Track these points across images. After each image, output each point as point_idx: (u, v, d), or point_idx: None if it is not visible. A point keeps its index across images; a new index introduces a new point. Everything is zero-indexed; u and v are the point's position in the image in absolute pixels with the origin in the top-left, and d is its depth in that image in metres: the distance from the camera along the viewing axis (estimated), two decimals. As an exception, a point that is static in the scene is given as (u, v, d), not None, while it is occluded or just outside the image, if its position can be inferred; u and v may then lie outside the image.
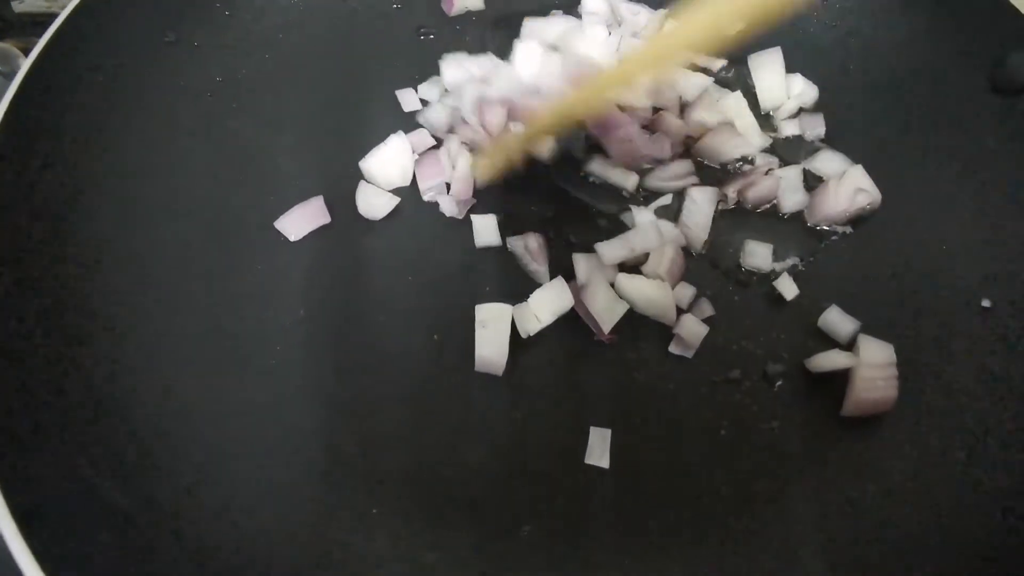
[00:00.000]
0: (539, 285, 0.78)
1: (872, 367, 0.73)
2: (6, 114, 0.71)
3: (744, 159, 0.90)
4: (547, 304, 0.76)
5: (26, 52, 0.79)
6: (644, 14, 1.00)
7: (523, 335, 0.75)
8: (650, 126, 0.90)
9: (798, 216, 0.86)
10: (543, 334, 0.76)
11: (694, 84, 0.93)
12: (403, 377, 0.74)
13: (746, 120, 0.92)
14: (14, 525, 0.52)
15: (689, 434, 0.72)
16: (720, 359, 0.76)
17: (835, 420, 0.73)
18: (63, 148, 0.74)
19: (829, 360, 0.75)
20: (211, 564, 0.60)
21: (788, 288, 0.80)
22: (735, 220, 0.86)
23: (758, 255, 0.82)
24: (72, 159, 0.75)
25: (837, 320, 0.78)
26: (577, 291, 0.77)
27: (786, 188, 0.86)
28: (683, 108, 0.92)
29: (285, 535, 0.64)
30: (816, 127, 0.93)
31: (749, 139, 0.90)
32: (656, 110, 0.90)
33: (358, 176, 0.85)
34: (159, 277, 0.75)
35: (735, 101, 0.93)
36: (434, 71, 0.94)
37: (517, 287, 0.78)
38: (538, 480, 0.69)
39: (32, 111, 0.73)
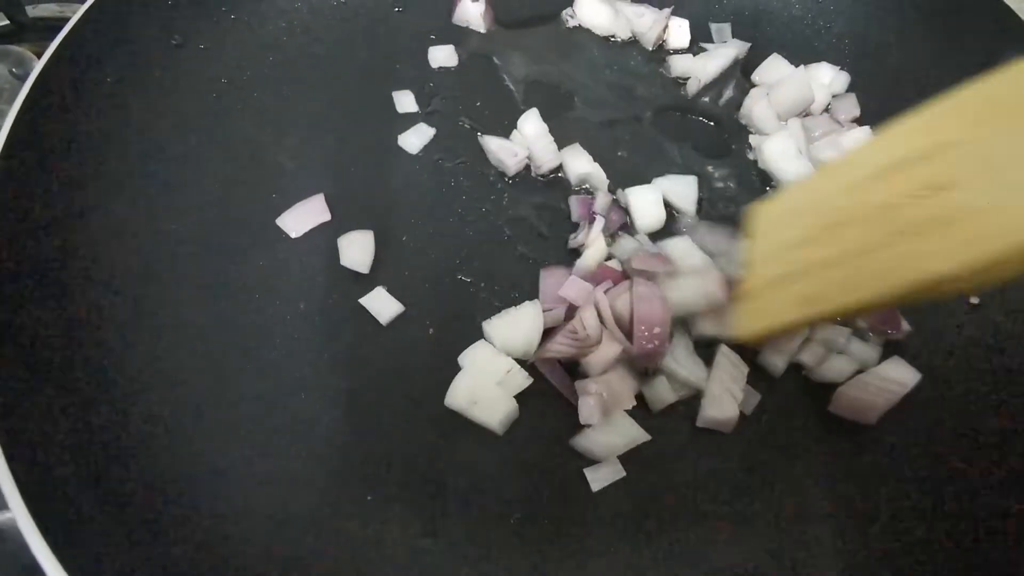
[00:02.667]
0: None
1: (880, 378, 0.73)
2: (19, 114, 0.73)
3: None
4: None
5: (40, 55, 0.81)
6: (648, 15, 1.01)
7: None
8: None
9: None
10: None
11: None
12: (398, 369, 0.75)
13: None
14: (20, 499, 0.54)
15: (677, 425, 0.74)
16: (711, 352, 0.77)
17: (824, 415, 0.74)
18: (73, 147, 0.77)
19: (831, 369, 0.76)
20: (208, 548, 0.62)
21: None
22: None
23: None
24: (81, 158, 0.77)
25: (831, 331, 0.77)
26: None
27: None
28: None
29: (283, 520, 0.66)
30: (850, 110, 0.93)
31: None
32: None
33: (358, 174, 0.87)
34: (165, 271, 0.77)
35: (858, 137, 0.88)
36: (431, 75, 0.96)
37: (508, 285, 0.80)
38: (529, 470, 0.71)
39: (44, 112, 0.75)
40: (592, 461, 0.71)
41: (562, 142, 0.91)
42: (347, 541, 0.66)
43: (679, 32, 1.02)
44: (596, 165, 0.88)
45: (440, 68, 0.98)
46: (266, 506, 0.66)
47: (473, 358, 0.74)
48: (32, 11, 1.11)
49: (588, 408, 0.70)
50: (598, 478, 0.70)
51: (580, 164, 0.88)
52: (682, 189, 0.88)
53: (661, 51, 1.02)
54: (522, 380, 0.73)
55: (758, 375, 0.77)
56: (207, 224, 0.81)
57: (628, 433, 0.71)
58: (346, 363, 0.75)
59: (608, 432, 0.71)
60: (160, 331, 0.73)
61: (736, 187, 0.90)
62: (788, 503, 0.70)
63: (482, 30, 1.02)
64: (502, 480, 0.70)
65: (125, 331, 0.72)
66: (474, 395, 0.72)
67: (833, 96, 0.96)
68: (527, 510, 0.68)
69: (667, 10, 1.02)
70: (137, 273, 0.76)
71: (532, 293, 0.79)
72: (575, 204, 0.86)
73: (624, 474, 0.70)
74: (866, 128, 0.90)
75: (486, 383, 0.72)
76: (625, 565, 0.67)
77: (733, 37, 1.03)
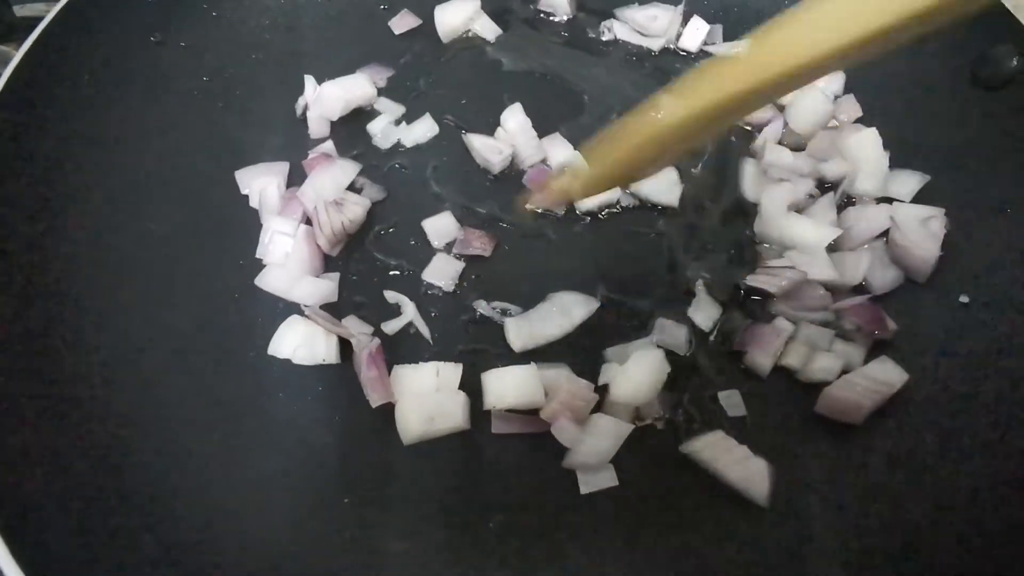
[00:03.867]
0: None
1: (867, 378, 0.72)
2: (-6, 112, 0.73)
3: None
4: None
5: (26, 55, 0.81)
6: (663, 17, 0.99)
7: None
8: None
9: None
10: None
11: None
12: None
13: (878, 162, 0.85)
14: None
15: (659, 429, 0.73)
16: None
17: (809, 418, 0.73)
18: (49, 146, 0.76)
19: (818, 369, 0.74)
20: (183, 550, 0.62)
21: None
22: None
23: None
24: (58, 156, 0.77)
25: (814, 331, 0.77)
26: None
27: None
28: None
29: (259, 522, 0.65)
30: (851, 111, 0.92)
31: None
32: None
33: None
34: (145, 272, 0.77)
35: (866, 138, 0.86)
36: (416, 71, 0.96)
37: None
38: (509, 474, 0.70)
39: (18, 110, 0.75)
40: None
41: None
42: (323, 544, 0.65)
43: (695, 34, 0.99)
44: (577, 153, 0.87)
45: (425, 66, 0.97)
46: (242, 508, 0.66)
47: (400, 385, 0.72)
48: (19, 11, 1.11)
49: (564, 430, 0.68)
50: (589, 481, 0.69)
51: (562, 152, 0.87)
52: (663, 182, 0.87)
53: (666, 52, 1.00)
54: (453, 371, 0.72)
55: (744, 376, 0.76)
56: (187, 224, 0.81)
57: (611, 432, 0.70)
58: (325, 366, 0.74)
59: (591, 439, 0.69)
60: (138, 331, 0.73)
61: (723, 185, 0.89)
62: (776, 505, 0.69)
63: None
64: (481, 483, 0.69)
65: (102, 331, 0.71)
66: (424, 414, 0.69)
67: (834, 98, 0.94)
68: (506, 514, 0.68)
69: (680, 7, 0.99)
70: (115, 273, 0.75)
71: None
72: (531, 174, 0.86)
73: (616, 483, 0.69)
74: (873, 129, 0.88)
75: (426, 397, 0.71)
76: (608, 570, 0.66)
77: (724, 40, 1.01)
